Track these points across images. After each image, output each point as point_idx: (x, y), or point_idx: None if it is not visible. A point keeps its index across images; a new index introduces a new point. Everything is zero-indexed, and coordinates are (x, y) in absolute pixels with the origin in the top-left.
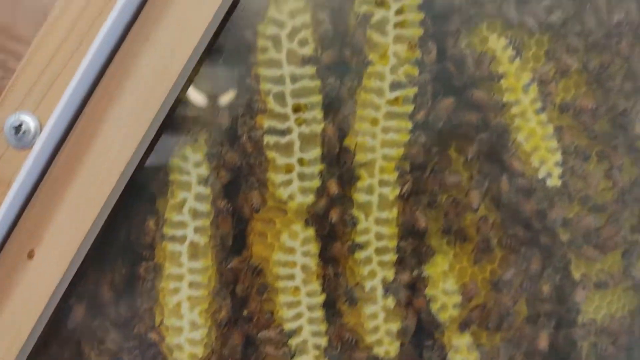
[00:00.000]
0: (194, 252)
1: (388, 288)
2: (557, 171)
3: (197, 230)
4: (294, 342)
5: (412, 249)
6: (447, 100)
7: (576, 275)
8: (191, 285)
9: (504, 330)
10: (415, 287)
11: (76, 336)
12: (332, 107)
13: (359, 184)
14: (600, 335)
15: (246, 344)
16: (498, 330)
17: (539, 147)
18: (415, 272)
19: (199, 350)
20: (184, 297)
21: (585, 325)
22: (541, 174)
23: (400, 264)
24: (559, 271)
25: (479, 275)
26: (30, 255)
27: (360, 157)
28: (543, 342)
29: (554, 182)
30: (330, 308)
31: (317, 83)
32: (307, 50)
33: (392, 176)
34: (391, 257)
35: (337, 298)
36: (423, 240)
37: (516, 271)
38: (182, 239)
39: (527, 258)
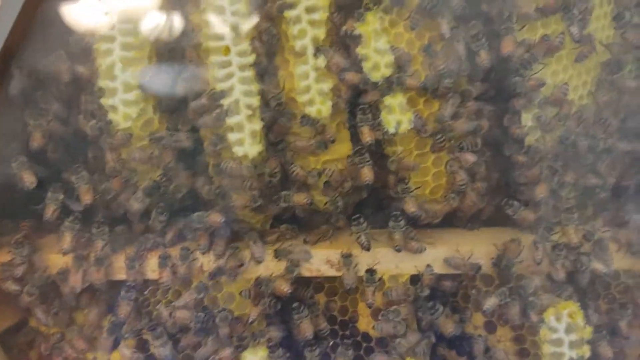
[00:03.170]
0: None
1: (318, 48)
2: None
3: None
4: (226, 102)
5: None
6: None
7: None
8: (124, 46)
9: (441, 95)
10: (347, 46)
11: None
12: None
13: None
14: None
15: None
16: (435, 96)
17: None
18: (345, 31)
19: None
20: (117, 58)
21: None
22: None
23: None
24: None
25: (417, 42)
26: None
27: None
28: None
29: None
30: (263, 68)
31: None
32: None
33: None
34: (321, 15)
35: (271, 57)
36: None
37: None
38: None
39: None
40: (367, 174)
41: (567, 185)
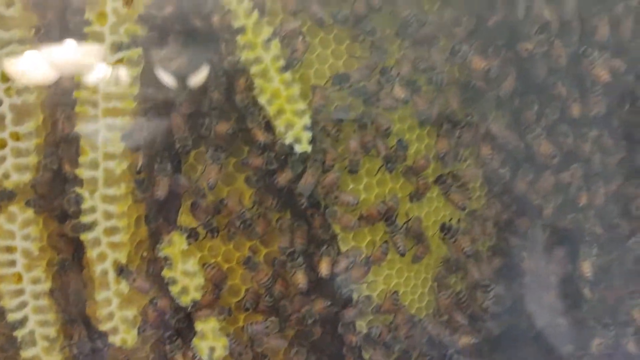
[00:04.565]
0: None
1: (121, 270)
2: (307, 136)
3: None
4: (20, 333)
5: (150, 227)
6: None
7: (344, 248)
8: None
9: (261, 312)
10: (154, 268)
11: None
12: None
13: (82, 159)
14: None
15: None
16: (257, 312)
17: (284, 110)
18: (147, 254)
19: None
20: None
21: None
22: (288, 140)
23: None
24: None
25: (235, 254)
26: None
27: (81, 128)
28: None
29: (303, 147)
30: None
31: (27, 47)
32: (13, 12)
33: (118, 148)
34: (122, 237)
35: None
36: (160, 219)
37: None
38: None
39: (292, 232)
40: None
41: None
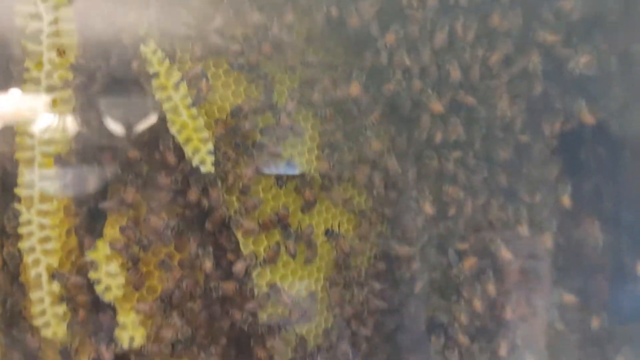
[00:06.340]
0: None
1: (54, 274)
2: (210, 159)
3: None
4: None
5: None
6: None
7: (245, 251)
8: None
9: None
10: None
11: None
12: None
13: (19, 180)
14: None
15: None
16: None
17: (191, 138)
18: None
19: None
20: None
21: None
22: (195, 162)
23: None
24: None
25: (152, 259)
26: None
27: (20, 155)
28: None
29: (207, 168)
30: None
31: None
32: None
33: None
34: (54, 244)
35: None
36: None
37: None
38: None
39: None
40: None
41: None
